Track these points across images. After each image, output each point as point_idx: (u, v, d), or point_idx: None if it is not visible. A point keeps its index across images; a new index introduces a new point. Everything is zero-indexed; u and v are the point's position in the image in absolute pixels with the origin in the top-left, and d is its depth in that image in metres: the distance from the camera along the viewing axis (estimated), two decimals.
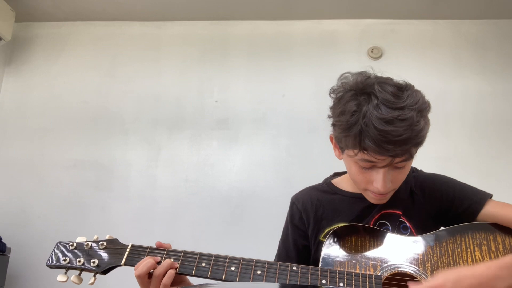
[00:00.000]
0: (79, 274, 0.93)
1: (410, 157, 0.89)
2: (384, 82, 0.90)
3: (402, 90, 0.88)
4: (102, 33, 2.72)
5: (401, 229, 1.00)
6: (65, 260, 0.93)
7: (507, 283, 0.78)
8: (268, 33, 2.64)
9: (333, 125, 0.96)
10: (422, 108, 0.88)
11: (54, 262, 0.93)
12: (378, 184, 0.91)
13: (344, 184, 1.12)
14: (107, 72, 2.63)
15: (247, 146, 2.44)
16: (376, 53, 2.51)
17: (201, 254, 0.90)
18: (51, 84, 2.63)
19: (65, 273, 0.93)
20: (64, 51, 2.70)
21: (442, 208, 1.02)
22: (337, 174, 1.18)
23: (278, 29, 2.64)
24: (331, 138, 1.03)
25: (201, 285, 0.77)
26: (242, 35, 2.65)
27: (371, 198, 0.99)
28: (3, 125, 2.58)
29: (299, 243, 1.09)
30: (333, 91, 0.96)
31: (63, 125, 2.54)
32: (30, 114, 2.59)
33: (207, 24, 2.68)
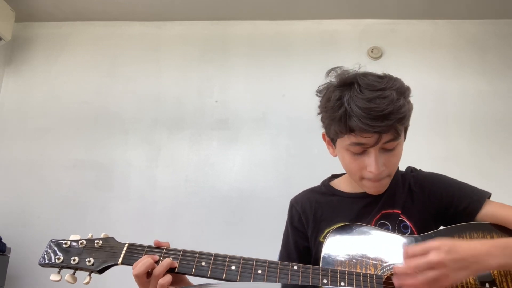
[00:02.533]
0: (73, 273, 0.90)
1: (397, 135, 0.92)
2: (365, 73, 0.96)
3: (382, 77, 0.95)
4: (102, 33, 2.72)
5: (401, 228, 1.00)
6: (58, 259, 0.90)
7: (498, 261, 0.80)
8: (268, 33, 2.63)
9: (321, 117, 1.01)
10: (401, 90, 0.93)
11: (47, 261, 0.91)
12: (372, 167, 0.93)
13: (342, 185, 1.12)
14: (107, 72, 2.63)
15: (247, 146, 2.44)
16: (376, 53, 2.51)
17: (200, 253, 0.89)
18: (51, 84, 2.63)
19: (59, 272, 0.90)
20: (64, 51, 2.70)
21: (442, 207, 1.02)
22: (335, 176, 1.19)
23: (278, 29, 2.64)
24: (323, 136, 1.06)
25: (200, 285, 0.77)
26: (242, 35, 2.65)
27: (368, 187, 1.00)
28: (3, 125, 2.58)
29: (300, 244, 1.09)
30: (319, 91, 1.02)
31: (63, 125, 2.54)
32: (30, 114, 2.58)
33: (207, 24, 2.68)
